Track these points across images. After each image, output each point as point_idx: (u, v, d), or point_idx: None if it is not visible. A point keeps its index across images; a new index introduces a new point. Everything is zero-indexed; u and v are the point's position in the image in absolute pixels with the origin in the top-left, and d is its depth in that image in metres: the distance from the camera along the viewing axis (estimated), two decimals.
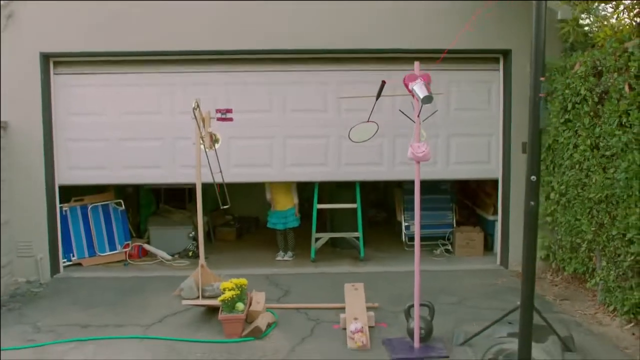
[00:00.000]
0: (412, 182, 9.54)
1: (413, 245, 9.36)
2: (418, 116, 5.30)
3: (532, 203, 4.33)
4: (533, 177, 4.31)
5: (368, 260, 9.09)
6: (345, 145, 8.53)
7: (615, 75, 6.22)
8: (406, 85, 5.19)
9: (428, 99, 4.95)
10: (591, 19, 7.92)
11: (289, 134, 8.66)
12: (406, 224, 9.78)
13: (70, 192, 8.89)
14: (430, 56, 7.89)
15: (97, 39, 8.15)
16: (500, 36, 8.40)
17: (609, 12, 8.69)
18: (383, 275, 8.21)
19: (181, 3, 8.17)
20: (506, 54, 8.51)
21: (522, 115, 8.37)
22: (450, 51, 8.24)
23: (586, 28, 7.79)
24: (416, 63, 5.37)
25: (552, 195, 7.85)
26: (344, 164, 8.76)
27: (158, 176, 8.60)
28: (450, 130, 8.77)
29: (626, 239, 6.10)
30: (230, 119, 7.00)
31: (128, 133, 8.52)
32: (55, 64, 8.37)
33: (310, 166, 8.71)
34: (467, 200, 10.65)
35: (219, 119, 6.97)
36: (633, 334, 6.04)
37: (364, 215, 9.80)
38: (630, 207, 5.98)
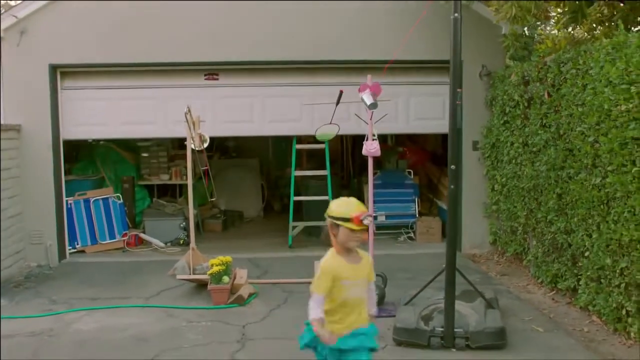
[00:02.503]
0: (378, 179, 10.84)
1: (380, 234, 10.67)
2: (370, 119, 6.48)
3: (452, 186, 5.50)
4: (453, 167, 5.50)
5: None
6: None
7: (538, 84, 7.46)
8: (360, 89, 6.40)
9: (373, 106, 6.16)
10: (529, 33, 9.11)
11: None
12: (374, 215, 10.96)
13: (74, 188, 10.03)
14: (392, 66, 9.11)
15: (99, 52, 9.27)
16: (446, 50, 9.57)
17: (549, 28, 9.97)
18: None
19: (171, 22, 9.32)
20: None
21: (472, 117, 9.59)
22: (409, 62, 9.48)
23: (527, 40, 8.93)
24: (369, 76, 6.58)
25: (496, 187, 9.09)
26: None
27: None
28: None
29: (547, 220, 7.34)
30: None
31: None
32: (62, 74, 9.49)
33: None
34: (430, 194, 11.87)
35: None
36: (553, 299, 7.27)
37: None
38: (550, 193, 7.22)
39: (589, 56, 6.27)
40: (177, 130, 9.17)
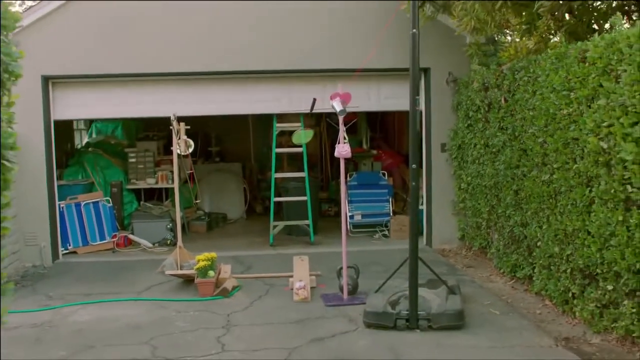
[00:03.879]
0: (354, 180, 11.49)
1: (356, 232, 11.32)
2: (341, 124, 7.12)
3: (414, 184, 6.14)
4: (414, 166, 6.14)
5: (318, 244, 10.85)
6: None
7: (496, 90, 8.14)
8: (332, 97, 7.04)
9: (342, 112, 6.79)
10: (491, 42, 9.79)
11: None
12: (350, 214, 11.60)
13: (65, 192, 10.59)
14: (364, 74, 9.78)
15: (87, 64, 9.85)
16: (421, 56, 10.18)
17: (509, 38, 10.64)
18: (328, 254, 9.95)
19: (154, 34, 9.92)
20: (426, 71, 10.34)
21: (440, 121, 10.28)
22: (382, 70, 10.13)
23: (487, 49, 9.59)
24: (339, 85, 7.21)
25: (462, 185, 9.75)
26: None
27: None
28: None
29: (506, 215, 8.01)
30: None
31: None
32: (53, 84, 10.05)
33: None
34: (404, 194, 12.54)
35: None
36: (512, 287, 7.94)
37: (317, 209, 11.63)
38: (507, 190, 7.89)
39: (538, 65, 6.95)
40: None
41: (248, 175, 15.14)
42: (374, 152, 13.13)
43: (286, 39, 10.06)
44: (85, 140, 14.91)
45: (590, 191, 5.87)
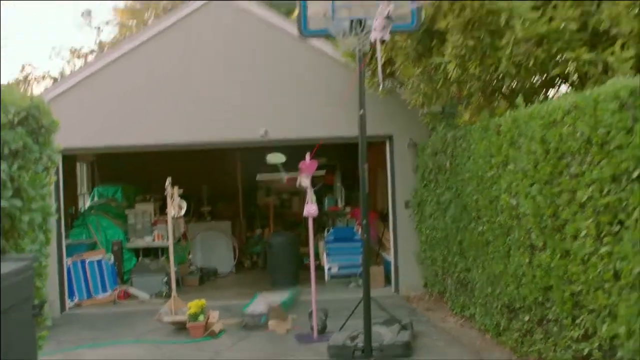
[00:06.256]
0: (331, 235, 12.79)
1: (333, 282, 12.56)
2: (310, 186, 8.49)
3: (365, 236, 7.47)
4: (365, 221, 7.48)
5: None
6: None
7: (443, 155, 9.56)
8: (300, 170, 8.43)
9: (307, 182, 8.18)
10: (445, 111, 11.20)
11: None
12: (328, 266, 12.86)
13: (71, 251, 11.88)
14: (335, 142, 11.19)
15: (96, 138, 11.29)
16: (386, 125, 11.62)
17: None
18: (307, 301, 11.17)
19: (154, 112, 11.38)
20: (390, 137, 11.77)
21: (404, 181, 11.66)
22: (347, 137, 11.50)
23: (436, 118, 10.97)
24: (307, 154, 8.61)
25: (422, 237, 11.08)
26: None
27: None
28: None
29: (454, 262, 9.33)
30: None
31: None
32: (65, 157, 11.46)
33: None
34: (376, 246, 13.84)
35: None
36: (461, 325, 9.20)
37: (299, 262, 12.98)
38: (454, 241, 9.23)
39: (471, 135, 8.37)
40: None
41: (237, 232, 16.42)
42: (348, 209, 14.49)
43: (257, 113, 11.54)
44: (88, 203, 16.23)
45: (508, 240, 7.21)
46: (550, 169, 6.10)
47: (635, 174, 4.82)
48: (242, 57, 11.54)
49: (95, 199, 16.06)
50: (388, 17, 6.97)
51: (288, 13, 14.70)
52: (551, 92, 9.19)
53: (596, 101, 5.28)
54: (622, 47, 6.85)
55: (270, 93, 11.52)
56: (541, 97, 9.28)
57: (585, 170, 5.49)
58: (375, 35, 7.12)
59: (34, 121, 4.65)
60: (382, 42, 7.38)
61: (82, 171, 16.93)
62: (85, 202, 16.73)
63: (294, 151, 9.89)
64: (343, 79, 10.96)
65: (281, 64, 11.52)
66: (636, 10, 6.87)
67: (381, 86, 8.64)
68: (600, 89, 5.39)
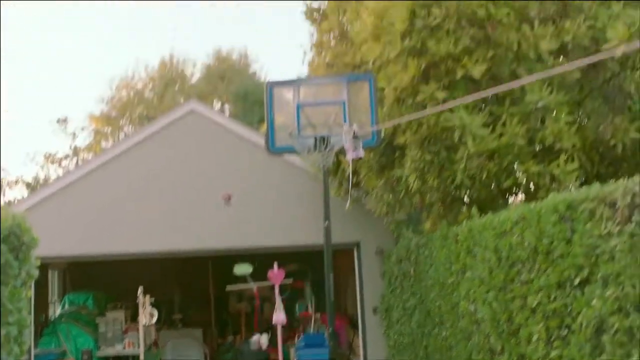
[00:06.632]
0: (302, 341, 12.90)
1: None
2: (278, 296, 8.76)
3: (332, 343, 7.70)
4: (331, 329, 7.73)
5: None
6: None
7: (407, 262, 9.93)
8: (269, 278, 8.72)
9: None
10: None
11: None
12: None
13: None
14: (306, 249, 11.52)
15: (71, 247, 11.51)
16: (353, 233, 12.02)
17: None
18: None
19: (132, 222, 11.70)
20: (358, 244, 12.14)
21: (372, 287, 11.93)
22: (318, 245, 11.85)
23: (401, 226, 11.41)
24: (275, 264, 8.93)
25: (390, 342, 11.27)
26: None
27: None
28: None
29: None
30: None
31: None
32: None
33: None
34: (347, 351, 13.93)
35: None
36: None
37: None
38: (420, 345, 9.46)
39: (432, 243, 8.78)
40: None
41: (209, 339, 16.38)
42: (318, 315, 14.63)
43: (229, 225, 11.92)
44: (59, 311, 16.16)
45: (469, 345, 7.49)
46: (503, 276, 6.48)
47: (576, 281, 5.23)
48: (214, 168, 12.01)
49: (66, 306, 16.00)
50: (355, 137, 7.49)
51: (259, 126, 15.37)
52: (512, 199, 9.76)
53: (539, 214, 5.74)
54: (567, 160, 7.46)
55: (242, 203, 11.90)
56: (505, 203, 9.87)
57: (534, 278, 5.89)
58: (350, 156, 7.62)
59: (15, 239, 4.94)
60: (359, 159, 7.86)
61: (53, 278, 16.94)
62: (55, 310, 16.65)
63: (265, 259, 10.19)
64: (313, 189, 11.39)
65: (252, 174, 11.99)
66: (576, 127, 7.54)
67: (348, 204, 9.00)
68: (542, 202, 5.88)
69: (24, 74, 44.25)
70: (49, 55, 45.03)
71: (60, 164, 33.39)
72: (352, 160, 9.38)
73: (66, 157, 33.40)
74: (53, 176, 32.00)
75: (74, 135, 33.36)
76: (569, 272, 5.32)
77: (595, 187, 5.24)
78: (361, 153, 7.82)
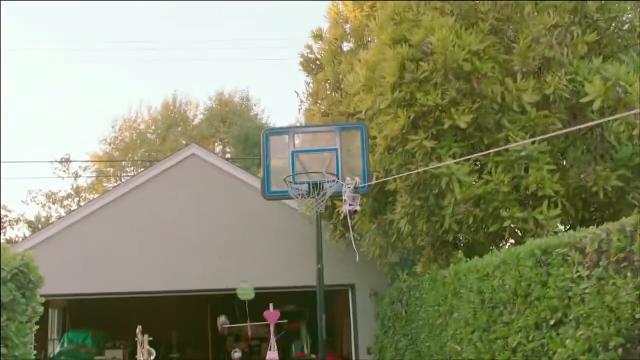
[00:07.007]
0: None
1: None
2: (272, 334, 9.03)
3: None
4: None
5: None
6: None
7: (399, 304, 10.22)
8: (264, 318, 9.00)
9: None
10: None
11: None
12: None
13: None
14: (302, 290, 11.81)
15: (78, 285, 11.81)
16: (348, 275, 12.32)
17: None
18: None
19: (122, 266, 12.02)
20: (352, 286, 12.45)
21: (366, 328, 12.20)
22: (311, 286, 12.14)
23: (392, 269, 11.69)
24: (270, 304, 9.22)
25: None
26: None
27: None
28: None
29: None
30: None
31: None
32: None
33: None
34: None
35: None
36: None
37: None
38: None
39: (422, 286, 9.08)
40: None
41: None
42: (313, 356, 14.83)
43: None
44: (58, 349, 16.36)
45: None
46: (486, 318, 6.78)
47: (552, 322, 5.54)
48: (214, 211, 12.38)
49: (65, 344, 16.21)
50: (355, 189, 7.83)
51: (259, 169, 15.74)
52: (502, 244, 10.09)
53: (518, 258, 6.08)
54: (549, 206, 7.81)
55: (241, 245, 12.26)
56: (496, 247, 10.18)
57: (514, 319, 6.19)
58: (346, 208, 7.97)
59: (22, 277, 5.28)
60: (354, 212, 8.18)
61: (53, 316, 17.17)
62: (55, 348, 16.84)
63: (264, 299, 10.48)
64: (310, 231, 11.68)
65: (251, 217, 12.36)
66: (557, 175, 7.91)
67: (357, 256, 9.20)
68: (521, 247, 6.22)
69: (28, 112, 45.02)
70: (53, 95, 45.85)
71: (61, 204, 33.81)
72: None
73: (68, 196, 33.82)
74: (54, 215, 32.40)
75: (75, 174, 33.83)
76: (545, 313, 5.63)
77: (569, 234, 5.60)
78: (357, 207, 8.12)
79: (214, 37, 49.41)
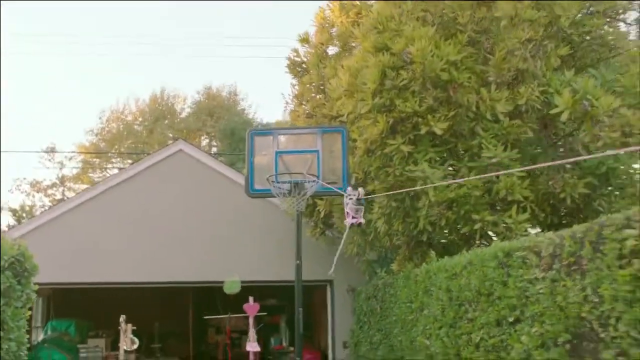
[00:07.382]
0: None
1: None
2: (251, 326, 9.42)
3: None
4: (298, 359, 8.39)
5: None
6: None
7: (374, 300, 10.64)
8: (244, 310, 9.39)
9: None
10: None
11: None
12: None
13: None
14: (283, 285, 12.19)
15: (63, 274, 12.12)
16: (326, 271, 12.64)
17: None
18: None
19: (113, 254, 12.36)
20: (331, 282, 12.86)
21: (343, 323, 12.62)
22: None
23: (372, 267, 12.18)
24: (250, 298, 9.60)
25: None
26: None
27: None
28: None
29: None
30: None
31: None
32: None
33: None
34: None
35: None
36: None
37: None
38: None
39: (397, 283, 9.51)
40: None
41: None
42: (291, 349, 15.23)
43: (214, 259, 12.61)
44: (41, 336, 16.63)
45: None
46: (453, 314, 7.22)
47: (510, 319, 5.99)
48: (199, 205, 12.74)
49: (49, 332, 16.48)
50: (358, 201, 7.54)
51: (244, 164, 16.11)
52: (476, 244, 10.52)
53: (482, 259, 6.52)
54: (518, 211, 8.24)
55: (225, 240, 12.63)
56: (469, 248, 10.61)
57: (477, 316, 6.63)
58: (349, 221, 7.37)
59: (19, 265, 5.64)
60: (359, 225, 7.65)
61: (37, 305, 17.41)
62: (39, 335, 17.10)
63: (245, 293, 10.84)
64: (292, 228, 12.10)
65: (235, 212, 12.73)
66: (527, 181, 8.34)
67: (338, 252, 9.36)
68: (486, 249, 6.66)
69: (15, 101, 45.03)
70: (41, 83, 45.88)
71: (46, 193, 33.97)
72: (325, 202, 10.20)
73: (53, 185, 33.99)
74: (39, 204, 32.58)
75: (61, 164, 33.99)
76: (505, 311, 6.07)
77: (530, 238, 6.06)
78: (362, 219, 7.42)
79: (206, 34, 49.69)
